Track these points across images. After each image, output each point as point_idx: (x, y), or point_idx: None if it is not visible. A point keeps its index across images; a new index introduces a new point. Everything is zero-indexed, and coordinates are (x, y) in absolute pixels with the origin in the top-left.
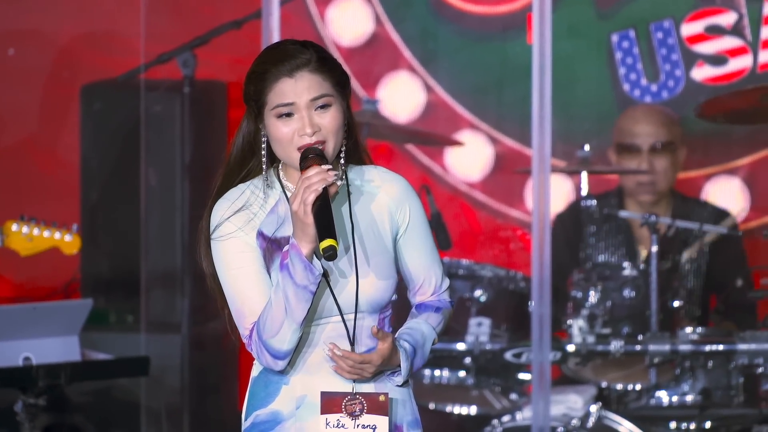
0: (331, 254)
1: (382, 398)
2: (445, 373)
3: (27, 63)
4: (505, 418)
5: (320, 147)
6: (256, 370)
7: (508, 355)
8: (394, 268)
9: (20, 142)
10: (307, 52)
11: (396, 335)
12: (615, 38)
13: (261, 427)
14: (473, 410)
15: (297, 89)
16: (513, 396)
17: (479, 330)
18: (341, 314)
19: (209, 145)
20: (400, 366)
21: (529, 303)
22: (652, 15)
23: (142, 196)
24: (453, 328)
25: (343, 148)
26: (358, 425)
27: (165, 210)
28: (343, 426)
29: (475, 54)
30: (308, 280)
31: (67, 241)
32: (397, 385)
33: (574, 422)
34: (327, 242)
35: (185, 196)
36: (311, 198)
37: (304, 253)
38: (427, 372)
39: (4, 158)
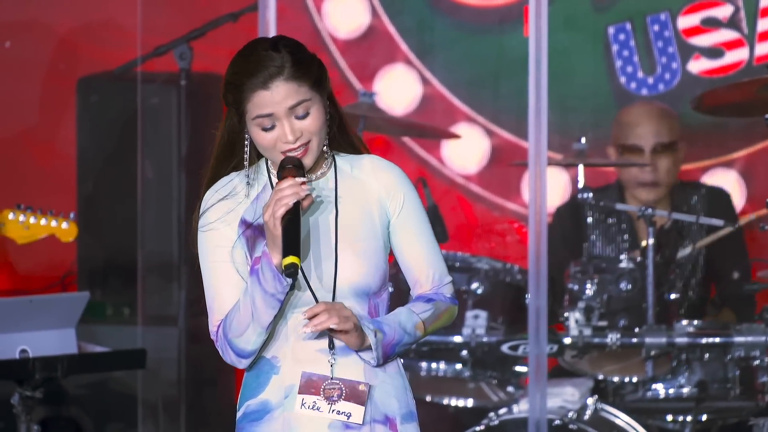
0: (291, 272)
1: (362, 387)
2: (442, 365)
3: (24, 55)
4: (502, 411)
5: (303, 149)
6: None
7: (505, 348)
8: (383, 256)
9: (17, 135)
10: (279, 57)
11: None
12: (611, 31)
13: (251, 417)
14: (470, 403)
15: (274, 100)
16: (510, 388)
17: (476, 322)
18: (315, 300)
19: (205, 137)
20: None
21: (526, 296)
22: (649, 7)
23: (139, 188)
24: None
25: (329, 128)
26: (333, 410)
27: (161, 202)
28: (318, 409)
29: (472, 46)
30: (276, 289)
31: (64, 228)
32: (376, 365)
33: (571, 415)
34: (289, 259)
35: (182, 189)
36: (280, 212)
37: (275, 262)
38: (423, 364)
39: (1, 150)
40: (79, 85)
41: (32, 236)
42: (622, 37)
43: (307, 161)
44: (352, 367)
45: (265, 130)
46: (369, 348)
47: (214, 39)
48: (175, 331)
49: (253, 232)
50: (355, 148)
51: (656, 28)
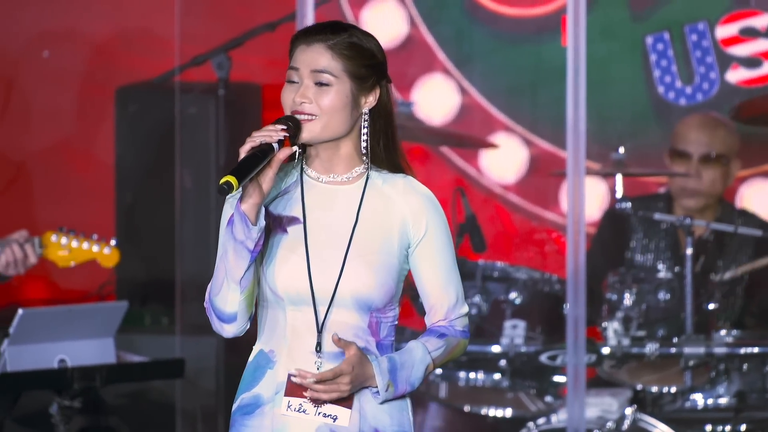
0: (224, 189)
1: None
2: (480, 375)
3: (62, 65)
4: (540, 421)
5: (306, 119)
6: (251, 355)
7: (543, 358)
8: (394, 275)
9: (56, 144)
10: (339, 31)
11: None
12: (649, 40)
13: (244, 409)
14: (508, 413)
15: (306, 57)
16: (548, 398)
17: (514, 332)
18: (313, 300)
19: None
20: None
21: (564, 305)
22: (687, 17)
23: (177, 198)
24: (488, 331)
25: (365, 143)
26: (319, 413)
27: (200, 212)
28: (304, 411)
29: (510, 56)
30: (245, 235)
31: (106, 254)
32: (382, 401)
33: (609, 425)
34: (226, 178)
35: (220, 198)
36: (246, 147)
37: (242, 207)
38: (462, 374)
39: (40, 160)
40: (118, 94)
41: (73, 260)
42: (660, 46)
43: (305, 134)
44: None
45: (290, 82)
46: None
47: (252, 48)
48: (214, 341)
49: (271, 221)
50: (398, 169)
51: (694, 37)
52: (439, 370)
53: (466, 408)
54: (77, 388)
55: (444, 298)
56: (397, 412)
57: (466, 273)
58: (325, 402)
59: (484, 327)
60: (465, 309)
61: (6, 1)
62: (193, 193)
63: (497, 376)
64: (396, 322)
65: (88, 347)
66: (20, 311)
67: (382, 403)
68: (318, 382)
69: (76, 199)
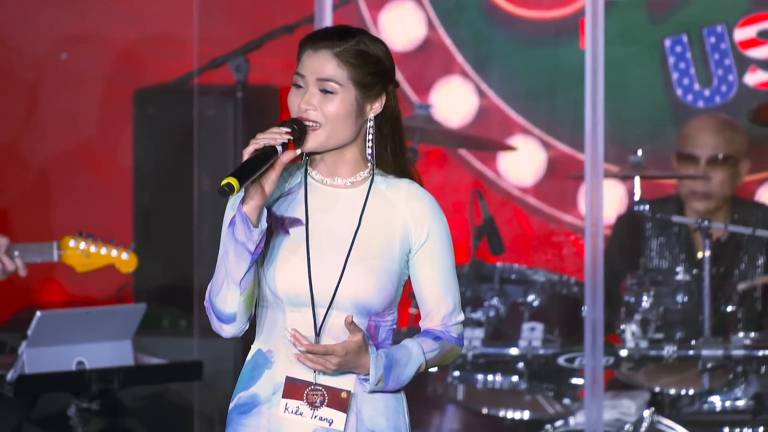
0: (222, 190)
1: (344, 395)
2: (498, 377)
3: (80, 67)
4: (558, 423)
5: (312, 125)
6: (249, 355)
7: (561, 360)
8: (393, 280)
9: (74, 147)
10: (346, 37)
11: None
12: (668, 43)
13: (241, 408)
14: (526, 415)
15: (311, 64)
16: (566, 401)
17: (532, 335)
18: (312, 302)
19: None
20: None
21: (582, 308)
22: (705, 20)
23: (195, 200)
24: (506, 333)
25: (371, 149)
26: (315, 416)
27: (218, 215)
28: (300, 414)
29: (528, 59)
30: (246, 237)
31: (124, 259)
32: (370, 392)
33: (627, 427)
34: (227, 180)
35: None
36: (250, 148)
37: (243, 209)
38: (480, 377)
39: (59, 163)
40: (136, 97)
41: (92, 265)
42: (678, 49)
43: (310, 143)
44: (339, 375)
45: (296, 86)
46: (367, 373)
47: (270, 51)
48: (232, 343)
49: (273, 222)
50: (406, 174)
51: (713, 40)
52: (456, 372)
53: (484, 410)
54: (95, 391)
55: (441, 304)
56: (393, 415)
57: (484, 275)
58: (321, 405)
59: (502, 329)
60: (461, 317)
61: (25, 5)
62: (211, 196)
63: (515, 378)
64: (395, 327)
65: (106, 349)
66: (38, 313)
67: (372, 392)
68: (309, 352)
69: (94, 202)
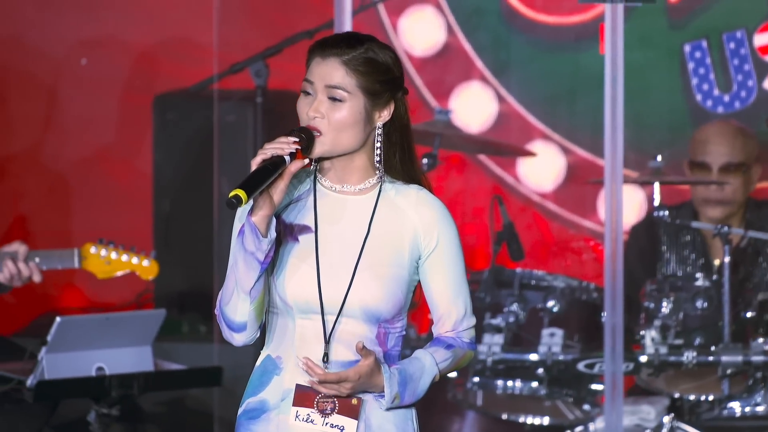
0: (230, 202)
1: (354, 401)
2: (518, 383)
3: (100, 72)
4: (578, 429)
5: (317, 133)
6: (258, 360)
7: (581, 366)
8: (403, 287)
9: (94, 152)
10: (355, 45)
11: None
12: (687, 48)
13: (250, 414)
14: (546, 421)
15: (321, 71)
16: (586, 407)
17: (552, 340)
18: (322, 310)
19: None
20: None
21: (602, 313)
22: (725, 25)
23: (215, 206)
24: (525, 339)
25: (379, 156)
26: (326, 423)
27: None
28: (311, 421)
29: (547, 64)
30: (255, 246)
31: (145, 266)
32: (386, 409)
33: None
34: (235, 191)
35: None
36: (258, 159)
37: (252, 219)
38: (499, 382)
39: (78, 169)
40: (156, 102)
41: (112, 272)
42: (698, 54)
43: (317, 149)
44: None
45: (305, 93)
46: (381, 391)
47: (290, 56)
48: (252, 349)
49: (283, 230)
50: (415, 181)
51: (732, 45)
52: (476, 378)
53: (504, 416)
54: (115, 396)
55: (453, 310)
56: (402, 422)
57: (504, 281)
58: (332, 413)
59: (521, 335)
60: (473, 321)
61: (45, 10)
62: None
63: (535, 384)
64: (404, 333)
65: (126, 355)
66: (58, 319)
67: (389, 409)
68: (322, 381)
69: (114, 208)
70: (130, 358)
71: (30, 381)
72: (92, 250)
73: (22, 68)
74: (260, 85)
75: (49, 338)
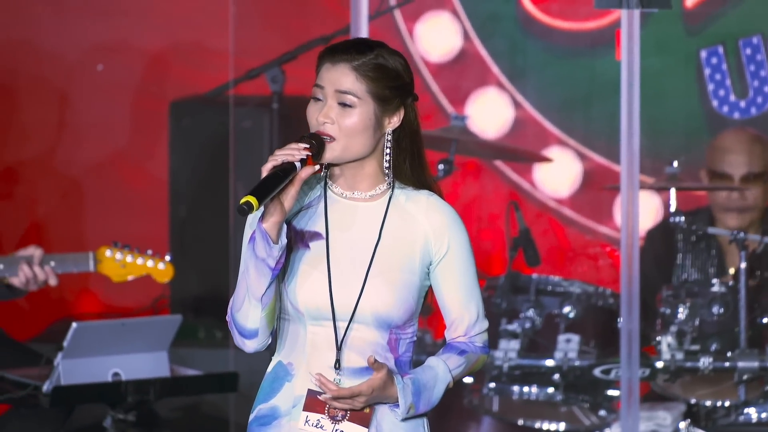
0: (241, 209)
1: (366, 410)
2: (534, 389)
3: (116, 78)
4: None
5: (327, 139)
6: (270, 366)
7: (597, 372)
8: (414, 293)
9: (109, 157)
10: (364, 51)
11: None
12: (704, 54)
13: (261, 420)
14: (562, 427)
15: (330, 77)
16: (602, 412)
17: (568, 346)
18: (333, 316)
19: None
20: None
21: (618, 319)
22: (741, 31)
23: (231, 211)
24: (542, 345)
25: (388, 162)
26: (336, 430)
27: None
28: (321, 427)
29: (564, 70)
30: (266, 253)
31: (161, 269)
32: (402, 419)
33: None
34: (246, 198)
35: None
36: (268, 165)
37: (263, 225)
38: (515, 388)
39: (94, 174)
40: (172, 108)
41: (128, 275)
42: (714, 60)
43: (326, 155)
44: None
45: (315, 99)
46: (395, 402)
47: (306, 62)
48: (267, 354)
49: (294, 236)
50: (425, 187)
51: (748, 51)
52: (492, 384)
53: (520, 422)
54: (131, 402)
55: (465, 314)
56: (413, 429)
57: (520, 287)
58: (342, 419)
59: (537, 341)
60: (485, 325)
61: (60, 15)
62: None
63: (551, 389)
64: (415, 339)
65: (141, 361)
66: (74, 324)
67: (404, 419)
68: (336, 397)
69: (129, 213)
70: (146, 364)
71: (46, 386)
72: (107, 253)
73: (36, 73)
74: (276, 91)
75: (65, 344)
